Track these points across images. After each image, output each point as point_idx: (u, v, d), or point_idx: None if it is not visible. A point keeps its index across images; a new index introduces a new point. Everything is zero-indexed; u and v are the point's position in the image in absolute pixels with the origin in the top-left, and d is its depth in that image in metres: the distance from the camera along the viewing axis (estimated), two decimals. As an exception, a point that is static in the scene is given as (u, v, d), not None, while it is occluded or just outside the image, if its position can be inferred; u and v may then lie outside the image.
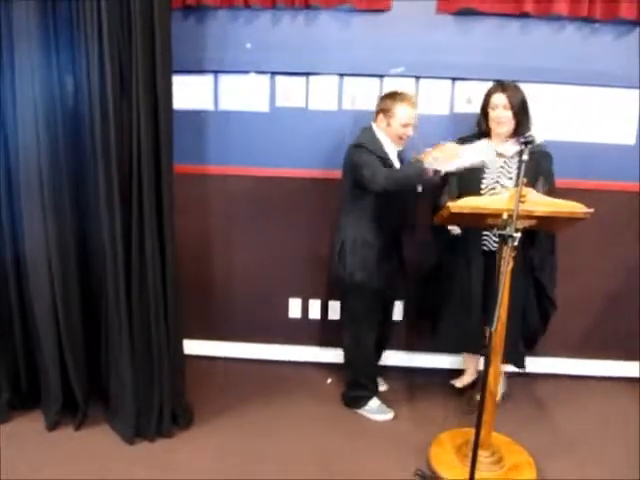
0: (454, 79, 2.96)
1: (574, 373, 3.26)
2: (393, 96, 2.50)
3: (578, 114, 2.98)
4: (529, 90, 2.76)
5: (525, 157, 2.01)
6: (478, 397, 2.60)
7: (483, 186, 2.54)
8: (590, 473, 2.42)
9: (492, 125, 2.56)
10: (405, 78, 2.94)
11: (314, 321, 3.24)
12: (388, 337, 2.98)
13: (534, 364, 3.14)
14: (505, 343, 2.28)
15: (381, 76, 2.96)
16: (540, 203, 2.04)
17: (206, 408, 2.76)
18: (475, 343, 2.48)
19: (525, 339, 2.75)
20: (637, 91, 2.97)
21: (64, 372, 2.54)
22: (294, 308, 3.23)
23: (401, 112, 2.46)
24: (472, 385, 2.99)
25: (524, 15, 2.86)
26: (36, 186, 2.32)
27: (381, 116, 2.51)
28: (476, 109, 2.89)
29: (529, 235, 2.37)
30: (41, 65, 2.25)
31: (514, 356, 2.66)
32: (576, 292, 3.10)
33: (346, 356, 2.83)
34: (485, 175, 2.54)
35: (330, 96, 3.00)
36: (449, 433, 2.59)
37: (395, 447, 2.53)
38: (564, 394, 3.09)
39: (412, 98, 2.52)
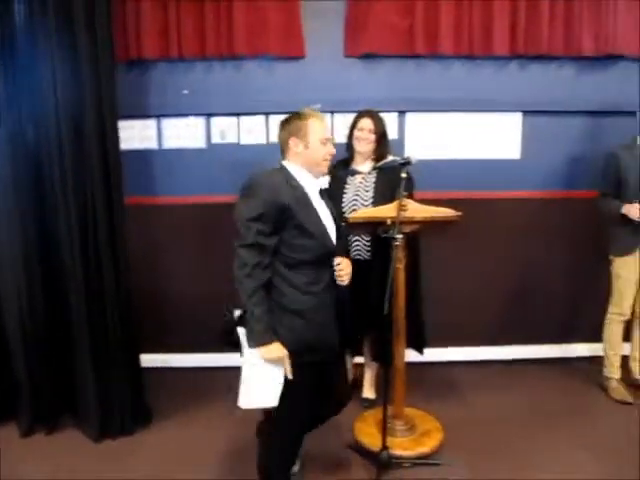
0: (364, 112, 3.43)
1: (487, 358, 3.72)
2: (298, 116, 2.10)
3: (471, 136, 3.51)
4: (427, 118, 3.40)
5: (404, 175, 2.49)
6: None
7: (344, 202, 2.89)
8: (493, 437, 2.88)
9: (356, 145, 2.92)
10: (323, 113, 3.39)
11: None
12: None
13: (453, 353, 3.66)
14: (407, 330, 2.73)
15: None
16: (419, 210, 2.52)
17: (165, 412, 3.11)
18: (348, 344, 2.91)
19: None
20: (519, 114, 3.50)
21: (35, 384, 2.91)
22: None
23: (316, 126, 2.07)
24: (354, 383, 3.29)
25: (417, 56, 3.38)
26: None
27: (293, 142, 2.08)
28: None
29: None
30: (7, 115, 2.71)
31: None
32: (484, 288, 3.60)
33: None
34: (346, 191, 2.92)
35: (259, 132, 3.45)
36: (372, 411, 3.01)
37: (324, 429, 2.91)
38: (477, 377, 3.55)
39: (318, 112, 2.19)
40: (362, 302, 2.79)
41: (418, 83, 3.44)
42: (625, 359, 3.40)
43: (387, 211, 2.50)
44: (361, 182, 2.93)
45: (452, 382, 3.50)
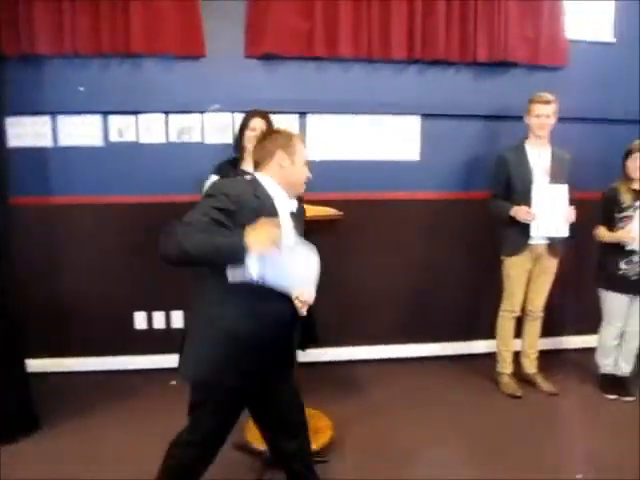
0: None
1: (391, 356, 3.80)
2: (286, 132, 2.03)
3: (372, 138, 3.57)
4: (328, 120, 3.45)
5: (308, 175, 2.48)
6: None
7: None
8: (382, 434, 2.94)
9: (247, 145, 2.86)
10: (223, 113, 3.39)
11: (158, 331, 3.59)
12: None
13: (357, 351, 3.74)
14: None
15: (202, 112, 3.40)
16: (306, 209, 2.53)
17: (54, 418, 3.00)
18: None
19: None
20: (418, 117, 3.58)
21: None
22: (139, 320, 3.57)
23: (301, 147, 2.01)
24: None
25: (318, 58, 3.41)
26: None
27: (280, 155, 1.94)
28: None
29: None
30: None
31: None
32: (387, 288, 3.69)
33: None
34: None
35: (158, 131, 3.41)
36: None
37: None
38: (380, 375, 3.61)
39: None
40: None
41: (319, 85, 3.47)
42: (518, 354, 3.51)
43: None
44: None
45: (354, 380, 3.55)
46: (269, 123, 2.98)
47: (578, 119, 3.66)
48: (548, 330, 3.77)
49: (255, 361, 1.88)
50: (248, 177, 1.95)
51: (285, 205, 1.94)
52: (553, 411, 3.19)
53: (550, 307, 3.56)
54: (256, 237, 1.67)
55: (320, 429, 2.86)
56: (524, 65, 3.64)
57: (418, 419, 3.08)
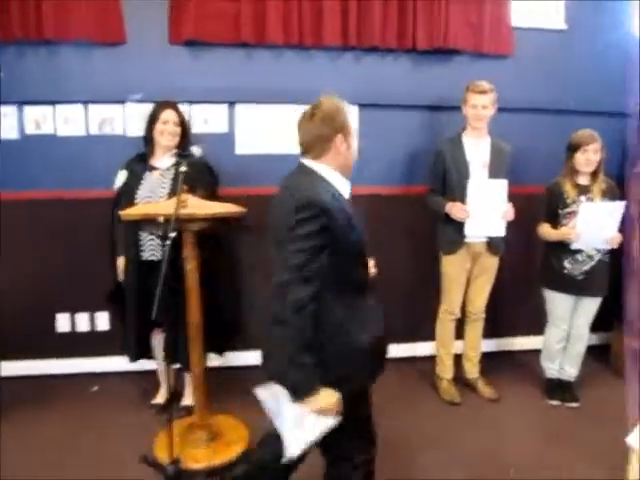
0: (191, 102, 3.25)
1: None
2: (338, 108, 1.77)
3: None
4: (259, 110, 3.27)
5: (183, 168, 2.31)
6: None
7: (137, 198, 2.67)
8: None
9: (160, 139, 2.73)
10: (146, 103, 3.19)
11: (82, 333, 3.40)
12: None
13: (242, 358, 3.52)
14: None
15: (123, 102, 3.21)
16: (201, 207, 2.35)
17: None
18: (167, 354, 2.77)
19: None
20: (355, 107, 3.39)
21: None
22: (62, 322, 3.39)
23: (352, 124, 1.81)
24: (173, 397, 2.99)
25: (246, 44, 3.21)
26: None
27: (340, 140, 1.74)
28: (214, 129, 3.25)
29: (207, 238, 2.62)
30: None
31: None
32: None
33: None
34: (140, 187, 2.69)
35: (77, 123, 3.21)
36: (181, 420, 2.83)
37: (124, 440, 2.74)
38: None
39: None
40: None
41: (248, 73, 3.29)
42: (459, 358, 3.34)
43: (165, 207, 2.31)
44: (158, 178, 2.74)
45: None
46: (181, 114, 2.81)
47: (525, 109, 3.50)
48: (495, 331, 3.61)
49: None
50: (306, 170, 1.73)
51: (347, 195, 1.76)
52: (489, 418, 3.03)
53: (496, 307, 3.42)
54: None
55: (234, 440, 2.70)
56: (467, 53, 3.45)
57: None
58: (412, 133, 3.47)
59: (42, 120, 3.22)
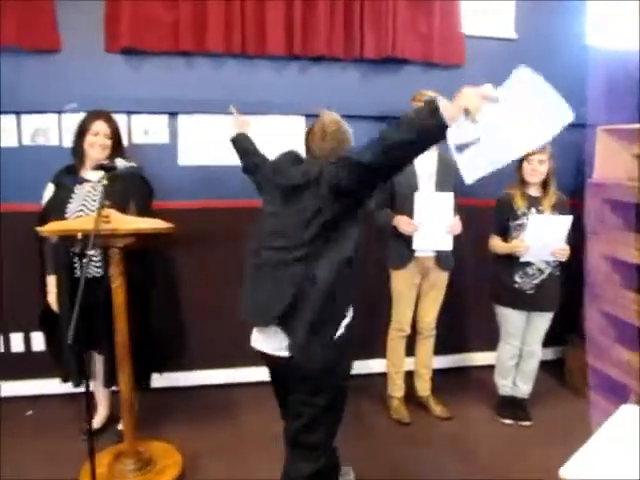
0: (129, 112, 3.12)
1: (228, 382, 3.48)
2: (340, 121, 2.08)
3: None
4: (198, 120, 3.16)
5: (105, 182, 2.18)
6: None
7: (68, 212, 2.52)
8: (247, 468, 2.64)
9: (90, 151, 2.59)
10: (82, 113, 3.04)
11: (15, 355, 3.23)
12: None
13: (219, 374, 3.45)
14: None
15: (58, 112, 3.06)
16: (126, 222, 2.21)
17: None
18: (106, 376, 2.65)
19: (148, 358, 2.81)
20: (302, 118, 3.29)
21: None
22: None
23: None
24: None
25: (187, 53, 3.09)
26: None
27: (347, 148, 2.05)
28: (155, 140, 3.12)
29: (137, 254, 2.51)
30: None
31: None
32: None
33: None
34: (71, 200, 2.55)
35: (9, 133, 3.08)
36: (113, 447, 2.67)
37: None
38: (249, 400, 3.28)
39: None
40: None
41: (189, 82, 3.18)
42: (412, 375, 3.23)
43: (83, 223, 2.18)
44: (89, 191, 2.60)
45: (221, 407, 3.24)
46: (113, 125, 2.67)
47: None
48: (448, 347, 3.51)
49: None
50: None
51: None
52: (439, 437, 2.91)
53: (450, 322, 3.34)
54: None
55: (167, 467, 2.54)
56: (418, 63, 3.37)
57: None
58: (360, 144, 3.34)
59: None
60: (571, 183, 3.50)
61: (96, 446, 2.61)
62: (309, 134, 2.04)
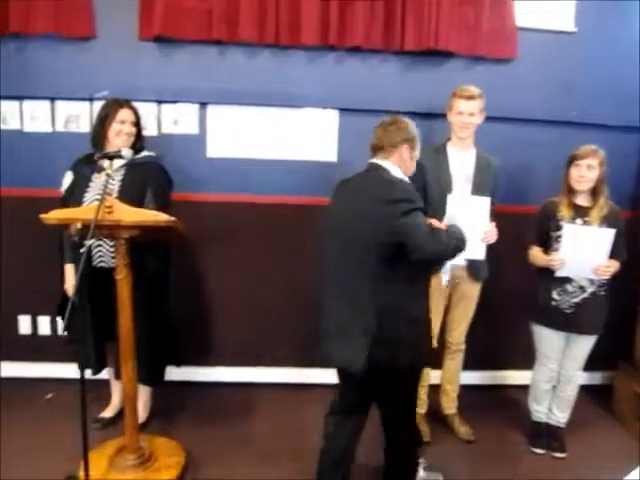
0: (159, 102, 3.07)
1: (248, 381, 3.37)
2: (410, 124, 2.19)
3: (281, 134, 3.15)
4: (232, 112, 3.07)
5: (109, 171, 2.14)
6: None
7: (85, 201, 2.49)
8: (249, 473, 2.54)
9: (115, 140, 2.54)
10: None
11: (44, 337, 3.27)
12: None
13: (208, 374, 3.34)
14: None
15: (90, 99, 3.06)
16: (129, 213, 2.15)
17: None
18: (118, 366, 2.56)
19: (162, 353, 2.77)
20: (335, 112, 3.14)
21: None
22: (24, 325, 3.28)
23: (419, 146, 2.20)
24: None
25: (220, 42, 3.01)
26: None
27: (406, 149, 2.14)
28: (184, 130, 3.06)
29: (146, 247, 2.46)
30: None
31: (143, 372, 2.54)
32: (286, 304, 3.27)
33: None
34: (88, 189, 2.52)
35: (43, 119, 3.08)
36: (116, 440, 2.64)
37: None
38: (239, 401, 3.18)
39: None
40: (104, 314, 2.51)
41: (221, 72, 3.09)
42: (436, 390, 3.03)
43: (84, 212, 2.14)
44: (107, 180, 2.54)
45: (227, 406, 3.15)
46: (137, 114, 2.63)
47: (524, 120, 3.15)
48: (482, 362, 3.27)
49: None
50: (373, 167, 2.12)
51: None
52: (456, 462, 2.69)
53: (485, 335, 3.13)
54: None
55: (168, 466, 2.48)
56: (463, 56, 3.12)
57: (292, 457, 2.66)
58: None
59: (9, 116, 3.10)
60: (626, 192, 3.15)
61: (107, 436, 2.64)
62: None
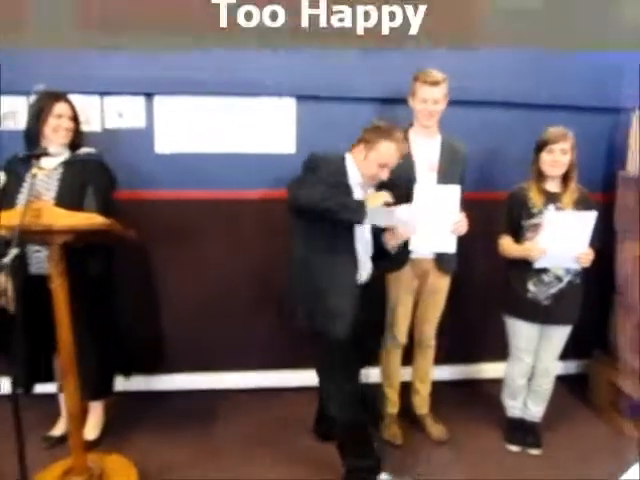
0: (103, 93, 2.86)
1: (208, 388, 3.19)
2: (381, 131, 2.21)
3: (234, 125, 2.95)
4: (181, 103, 2.87)
5: (34, 171, 1.96)
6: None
7: (19, 202, 2.29)
8: None
9: (52, 135, 2.36)
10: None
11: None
12: None
13: (164, 381, 3.18)
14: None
15: (27, 94, 2.82)
16: (60, 217, 1.95)
17: None
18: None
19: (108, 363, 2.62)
20: (292, 100, 2.95)
21: None
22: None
23: (384, 150, 2.19)
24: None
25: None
26: None
27: (360, 147, 2.24)
28: (130, 124, 2.86)
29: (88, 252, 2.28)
30: None
31: (89, 385, 2.42)
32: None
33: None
34: (22, 190, 2.30)
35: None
36: (56, 465, 2.45)
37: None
38: (198, 410, 3.02)
39: (400, 138, 2.25)
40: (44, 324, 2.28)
41: (168, 60, 2.85)
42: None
43: (8, 217, 1.92)
44: (42, 180, 2.35)
45: (201, 412, 2.99)
46: (74, 108, 2.46)
47: (494, 103, 2.99)
48: (454, 356, 3.14)
49: None
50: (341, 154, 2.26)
51: (358, 187, 2.24)
52: (428, 464, 2.56)
53: (456, 329, 3.03)
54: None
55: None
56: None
57: (264, 467, 2.52)
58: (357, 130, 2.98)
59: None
60: (597, 176, 3.04)
61: (57, 456, 2.44)
62: None
